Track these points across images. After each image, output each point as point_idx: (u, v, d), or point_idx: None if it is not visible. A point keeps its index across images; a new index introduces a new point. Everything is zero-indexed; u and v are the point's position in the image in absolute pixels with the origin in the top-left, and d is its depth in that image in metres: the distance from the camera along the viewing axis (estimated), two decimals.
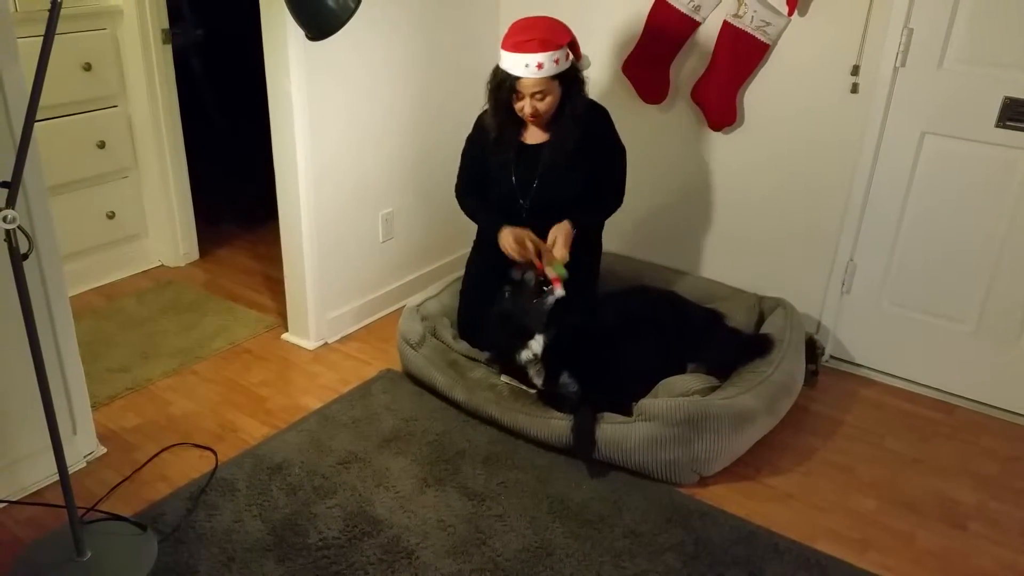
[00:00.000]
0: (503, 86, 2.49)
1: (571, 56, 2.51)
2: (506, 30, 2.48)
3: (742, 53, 2.83)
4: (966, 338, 2.76)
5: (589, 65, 2.57)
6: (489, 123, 2.63)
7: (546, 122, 2.59)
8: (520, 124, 2.63)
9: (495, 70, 2.53)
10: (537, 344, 2.48)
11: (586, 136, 2.58)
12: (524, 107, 2.50)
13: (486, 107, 2.64)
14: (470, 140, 2.76)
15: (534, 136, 2.64)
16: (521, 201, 2.65)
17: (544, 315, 2.48)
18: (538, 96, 2.47)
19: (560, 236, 2.54)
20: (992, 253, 2.64)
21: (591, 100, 2.65)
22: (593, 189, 2.65)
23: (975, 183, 2.60)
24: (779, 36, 2.78)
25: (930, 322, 2.82)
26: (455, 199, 2.82)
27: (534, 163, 2.62)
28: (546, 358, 2.48)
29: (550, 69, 2.42)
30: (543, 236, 2.58)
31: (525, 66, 2.41)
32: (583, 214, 2.63)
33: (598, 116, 2.65)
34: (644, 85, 3.10)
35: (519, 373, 2.57)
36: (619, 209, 2.77)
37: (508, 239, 2.57)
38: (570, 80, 2.52)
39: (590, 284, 2.80)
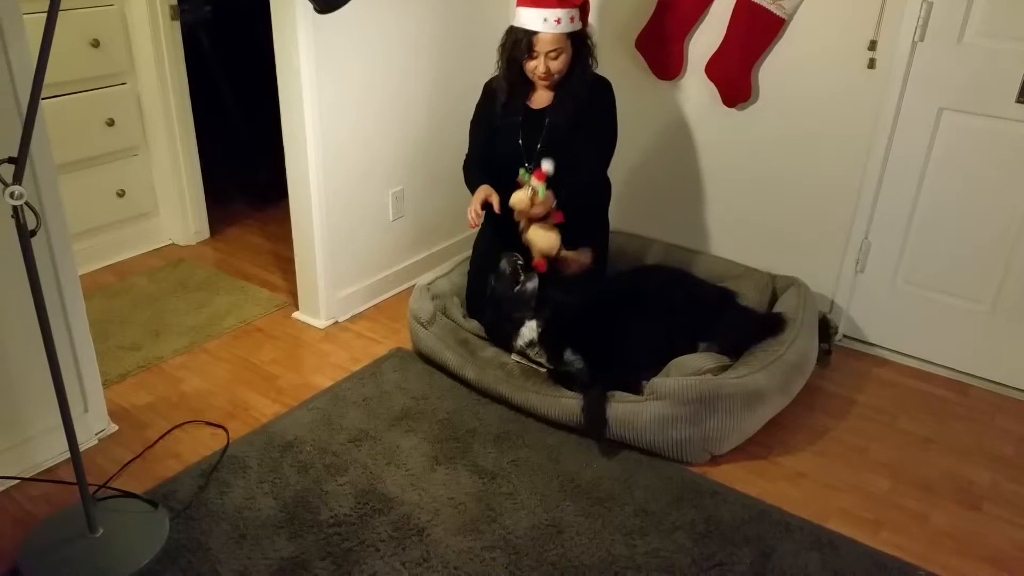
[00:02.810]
0: (519, 44, 2.50)
1: (581, 19, 2.54)
2: None
3: (757, 28, 2.78)
4: (982, 318, 2.73)
5: (594, 34, 2.61)
6: (499, 85, 2.66)
7: (555, 85, 2.60)
8: (528, 88, 2.65)
9: (509, 30, 2.56)
10: (529, 330, 2.48)
11: (589, 106, 2.60)
12: (538, 66, 2.52)
13: (495, 74, 2.68)
14: (478, 107, 2.78)
15: (539, 101, 2.66)
16: (527, 164, 2.65)
17: (529, 301, 2.49)
18: (553, 54, 2.50)
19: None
20: (1010, 232, 2.60)
21: (598, 75, 2.66)
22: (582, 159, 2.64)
23: (994, 160, 2.56)
24: (795, 10, 2.73)
25: (945, 302, 2.78)
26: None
27: (538, 127, 2.64)
28: (545, 338, 2.47)
29: (566, 26, 2.47)
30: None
31: (544, 20, 2.44)
32: (568, 185, 2.57)
33: (603, 89, 2.66)
34: (657, 61, 3.06)
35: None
36: (628, 188, 2.74)
37: (475, 195, 2.62)
38: (581, 43, 2.56)
39: (598, 262, 2.78)
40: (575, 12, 2.49)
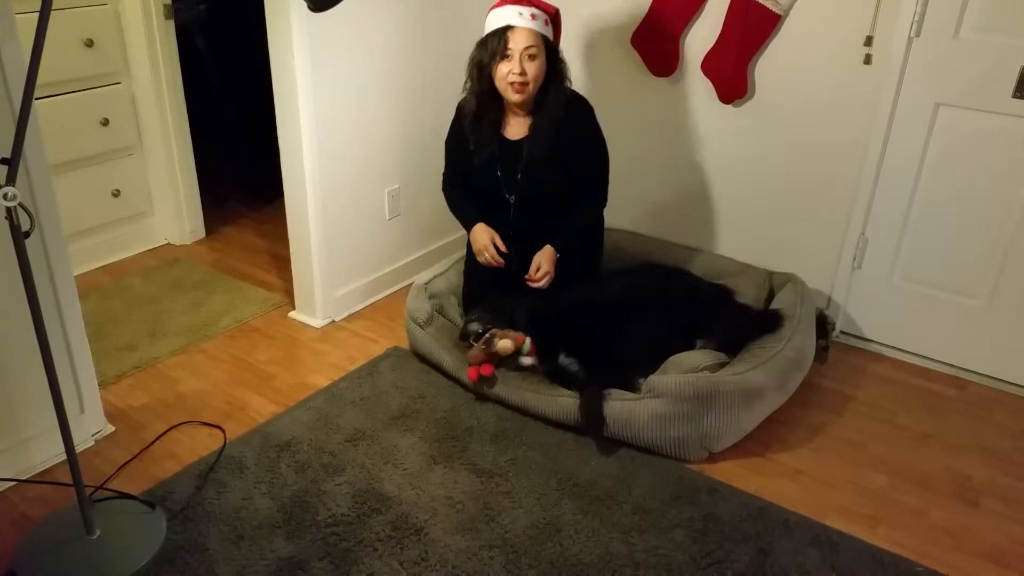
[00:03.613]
0: (490, 46, 2.42)
1: (554, 34, 2.50)
2: None
3: (753, 24, 2.78)
4: (979, 313, 2.73)
5: (566, 65, 2.59)
6: (468, 107, 2.58)
7: (529, 105, 2.52)
8: (499, 111, 2.57)
9: (480, 43, 2.49)
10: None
11: (568, 129, 2.53)
12: (513, 69, 2.41)
13: (464, 94, 2.60)
14: (452, 129, 2.71)
15: (515, 131, 2.59)
16: (507, 195, 2.62)
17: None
18: (531, 51, 2.40)
19: (543, 263, 2.54)
20: (1007, 226, 2.60)
21: (574, 92, 2.60)
22: (576, 189, 2.59)
23: (990, 155, 2.56)
24: (791, 6, 2.73)
25: (943, 297, 2.78)
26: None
27: (516, 157, 2.58)
28: (537, 347, 2.46)
29: (541, 26, 2.41)
30: (533, 230, 2.57)
31: (519, 15, 2.38)
32: (566, 234, 2.58)
33: (581, 109, 2.59)
34: (653, 57, 3.05)
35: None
36: (625, 185, 2.73)
37: (481, 239, 2.59)
38: (554, 57, 2.50)
39: (593, 261, 2.78)
40: (547, 17, 2.44)
